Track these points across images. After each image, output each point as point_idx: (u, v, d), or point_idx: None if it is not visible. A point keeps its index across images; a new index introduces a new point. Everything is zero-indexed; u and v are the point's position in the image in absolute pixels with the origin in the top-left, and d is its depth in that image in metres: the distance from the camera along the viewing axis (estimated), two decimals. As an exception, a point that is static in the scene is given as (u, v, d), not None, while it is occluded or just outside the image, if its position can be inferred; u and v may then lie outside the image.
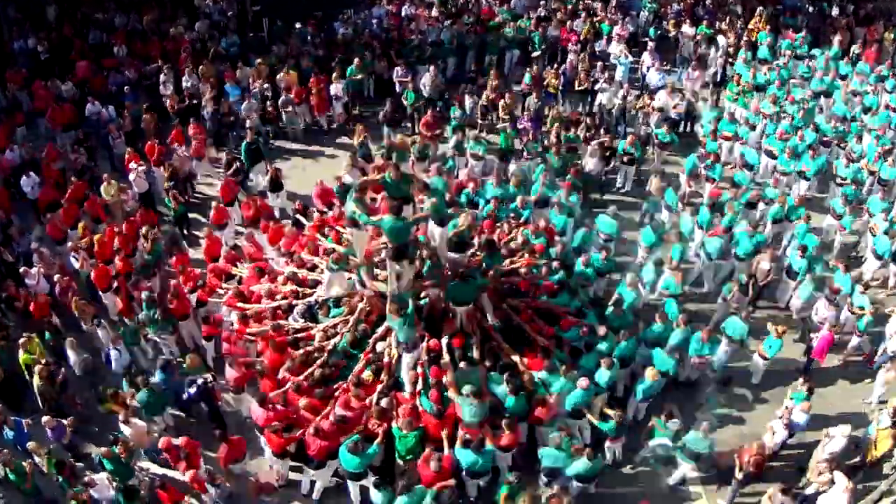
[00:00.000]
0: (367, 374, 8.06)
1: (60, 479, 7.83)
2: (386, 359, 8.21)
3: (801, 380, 8.65)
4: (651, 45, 15.20)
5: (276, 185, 11.78)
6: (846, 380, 9.63)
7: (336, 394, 7.97)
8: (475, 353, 8.21)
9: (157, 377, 8.62)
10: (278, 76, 14.01)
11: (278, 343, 8.56)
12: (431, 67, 14.01)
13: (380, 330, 8.46)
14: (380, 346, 8.35)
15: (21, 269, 10.23)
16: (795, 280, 10.18)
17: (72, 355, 9.09)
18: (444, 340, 8.30)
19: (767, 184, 12.03)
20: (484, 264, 8.79)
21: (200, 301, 9.72)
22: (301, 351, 8.43)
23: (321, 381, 8.12)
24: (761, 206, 11.58)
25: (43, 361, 8.98)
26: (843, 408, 9.10)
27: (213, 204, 11.36)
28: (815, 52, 15.36)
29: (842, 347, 9.79)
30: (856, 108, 13.72)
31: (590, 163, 12.35)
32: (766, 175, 12.58)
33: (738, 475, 7.79)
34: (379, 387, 7.99)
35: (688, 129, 13.89)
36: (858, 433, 8.26)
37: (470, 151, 12.44)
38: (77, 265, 10.39)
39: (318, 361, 8.32)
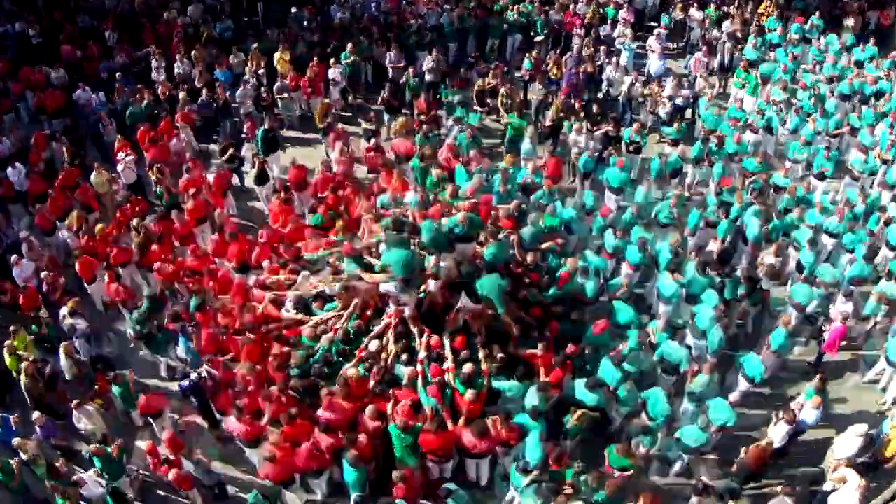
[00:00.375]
0: (352, 373, 7.70)
1: (53, 481, 7.56)
2: (383, 355, 7.90)
3: (817, 376, 8.32)
4: (661, 31, 14.76)
5: (262, 177, 11.36)
6: (859, 376, 9.34)
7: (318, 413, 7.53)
8: (480, 354, 7.87)
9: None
10: (276, 56, 13.66)
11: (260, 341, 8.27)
12: (434, 51, 13.65)
13: (376, 328, 8.15)
14: (374, 345, 8.00)
15: (12, 259, 9.89)
16: (803, 274, 9.87)
17: (63, 360, 8.77)
18: (447, 341, 7.95)
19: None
20: (488, 253, 8.33)
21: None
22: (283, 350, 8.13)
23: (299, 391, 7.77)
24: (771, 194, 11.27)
25: (31, 357, 8.73)
26: (855, 405, 8.86)
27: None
28: (831, 37, 14.93)
29: (853, 342, 9.51)
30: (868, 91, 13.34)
31: (580, 141, 12.00)
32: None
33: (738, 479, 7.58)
34: (372, 384, 7.68)
35: (695, 115, 13.52)
36: (872, 431, 7.98)
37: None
38: (73, 243, 10.19)
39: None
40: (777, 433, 7.77)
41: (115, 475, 7.69)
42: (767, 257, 9.89)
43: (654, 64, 14.11)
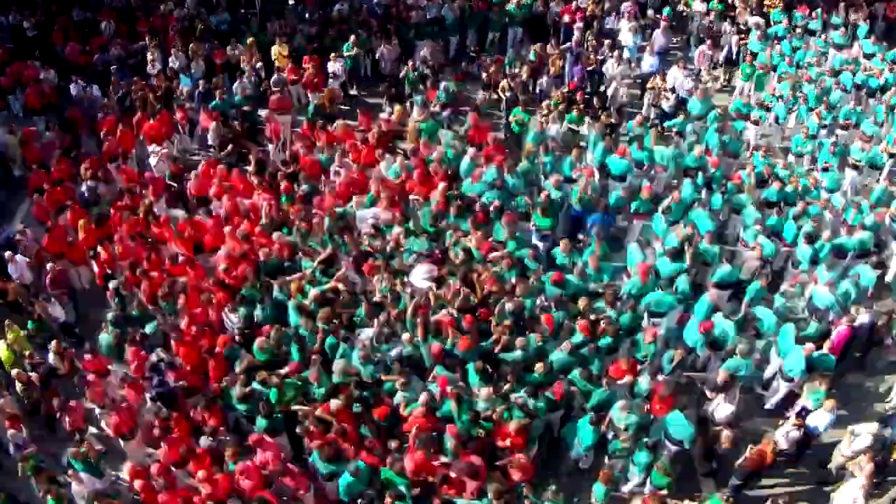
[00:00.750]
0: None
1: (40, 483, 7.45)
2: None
3: (817, 378, 8.19)
4: (664, 23, 14.54)
5: (261, 170, 11.16)
6: (867, 377, 9.22)
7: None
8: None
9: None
10: (273, 49, 13.47)
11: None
12: (430, 42, 13.56)
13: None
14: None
15: (6, 254, 9.77)
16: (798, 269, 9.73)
17: (52, 356, 8.66)
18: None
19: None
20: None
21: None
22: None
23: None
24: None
25: (27, 353, 8.69)
26: (864, 406, 8.76)
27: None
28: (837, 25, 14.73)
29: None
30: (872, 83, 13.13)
31: (552, 129, 11.81)
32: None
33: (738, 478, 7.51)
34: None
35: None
36: (886, 432, 7.82)
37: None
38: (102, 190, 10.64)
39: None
40: (790, 437, 7.68)
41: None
42: (751, 260, 9.59)
43: (646, 61, 13.76)
